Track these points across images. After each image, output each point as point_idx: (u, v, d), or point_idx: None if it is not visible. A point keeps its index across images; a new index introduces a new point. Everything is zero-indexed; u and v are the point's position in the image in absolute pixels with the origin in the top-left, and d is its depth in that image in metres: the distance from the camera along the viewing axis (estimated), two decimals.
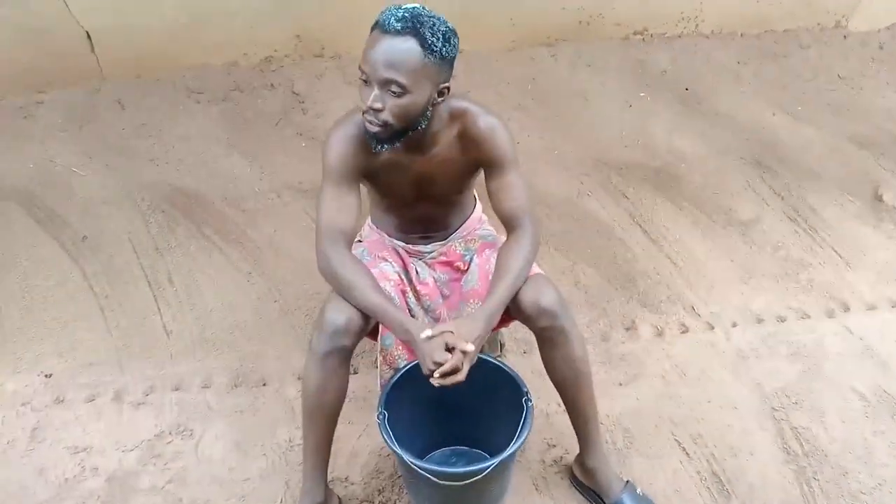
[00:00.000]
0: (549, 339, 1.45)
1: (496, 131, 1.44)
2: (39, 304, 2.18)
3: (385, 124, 1.30)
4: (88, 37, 2.70)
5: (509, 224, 1.48)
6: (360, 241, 1.74)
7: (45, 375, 1.97)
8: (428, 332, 1.30)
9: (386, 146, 1.36)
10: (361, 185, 1.51)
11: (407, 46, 1.23)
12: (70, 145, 2.72)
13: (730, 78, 3.25)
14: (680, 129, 2.98)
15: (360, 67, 1.27)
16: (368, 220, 1.77)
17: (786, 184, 2.73)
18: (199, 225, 2.46)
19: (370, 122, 1.31)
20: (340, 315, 1.36)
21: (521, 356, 2.04)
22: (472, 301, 1.59)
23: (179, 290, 2.24)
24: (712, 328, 2.16)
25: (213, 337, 2.09)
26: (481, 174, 1.53)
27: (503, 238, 1.62)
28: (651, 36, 3.32)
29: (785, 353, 2.07)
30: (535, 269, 1.52)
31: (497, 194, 1.48)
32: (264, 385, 1.96)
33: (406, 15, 1.24)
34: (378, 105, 1.28)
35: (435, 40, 1.25)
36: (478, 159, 1.47)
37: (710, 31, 3.36)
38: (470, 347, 1.29)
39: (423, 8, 1.27)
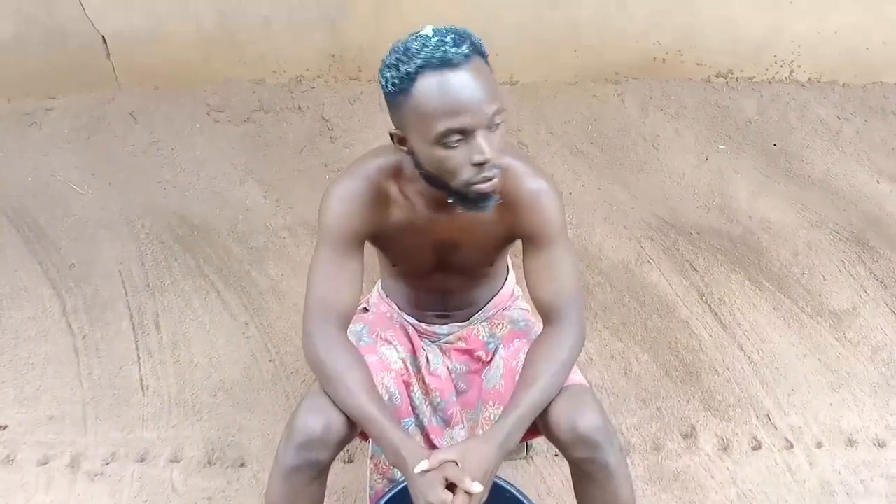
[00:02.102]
0: (587, 474, 1.20)
1: (544, 198, 1.22)
2: (10, 339, 2.06)
3: (501, 172, 1.09)
4: (104, 41, 2.62)
5: (548, 314, 1.25)
6: (365, 309, 1.53)
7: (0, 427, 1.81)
8: (424, 465, 1.06)
9: (493, 201, 1.12)
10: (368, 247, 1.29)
11: (481, 65, 1.03)
12: (73, 158, 2.62)
13: (827, 135, 2.95)
14: (765, 192, 2.69)
15: (446, 131, 1.01)
16: (378, 285, 1.56)
17: (891, 268, 2.41)
18: (199, 261, 2.30)
19: (491, 179, 1.07)
20: (317, 420, 1.14)
21: (552, 461, 1.78)
22: (491, 404, 1.36)
23: (165, 336, 2.07)
24: (791, 447, 1.87)
25: (192, 398, 1.91)
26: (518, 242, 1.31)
27: (539, 326, 1.39)
28: (737, 80, 3.07)
29: (884, 492, 1.75)
30: (576, 375, 1.27)
31: (536, 275, 1.25)
32: (242, 466, 1.76)
33: (454, 37, 1.01)
34: (495, 153, 1.04)
35: (483, 48, 1.05)
36: (517, 229, 1.25)
37: (806, 79, 3.09)
38: (477, 488, 1.05)
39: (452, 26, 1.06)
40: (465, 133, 1.02)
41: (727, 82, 3.08)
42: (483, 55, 1.04)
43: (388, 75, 1.03)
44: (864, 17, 2.93)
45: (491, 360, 1.40)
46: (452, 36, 1.00)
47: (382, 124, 2.77)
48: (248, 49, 2.77)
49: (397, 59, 1.01)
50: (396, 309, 1.49)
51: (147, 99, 2.79)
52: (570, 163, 2.73)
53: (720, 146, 2.86)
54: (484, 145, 1.03)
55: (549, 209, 1.22)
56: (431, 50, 0.99)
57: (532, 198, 1.21)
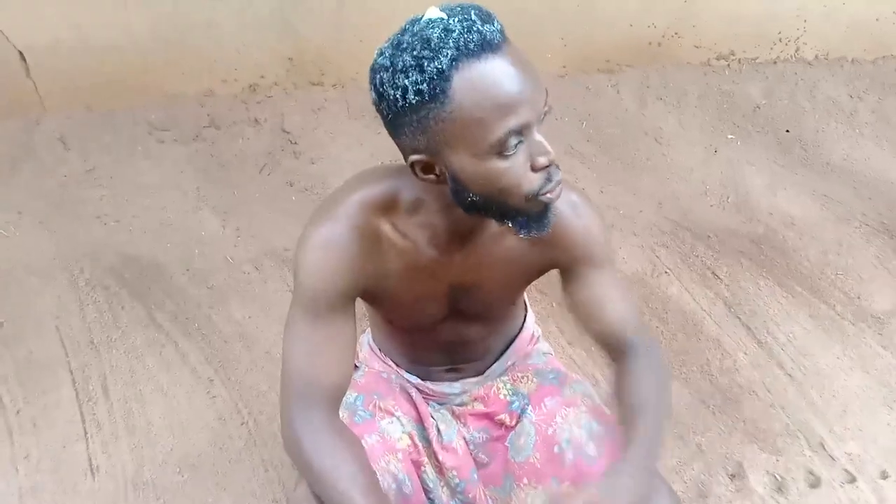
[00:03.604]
0: None
1: (583, 213, 1.04)
2: None
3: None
4: (22, 57, 2.36)
5: (617, 347, 1.09)
6: (356, 366, 1.31)
7: None
8: None
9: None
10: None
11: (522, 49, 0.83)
12: None
13: (842, 116, 2.83)
14: (783, 184, 2.55)
15: (507, 134, 0.80)
16: (368, 336, 1.34)
17: None
18: (151, 308, 2.06)
19: (558, 185, 0.88)
20: None
21: None
22: (526, 482, 1.15)
23: (116, 404, 1.83)
24: (853, 480, 1.72)
25: (153, 479, 1.68)
26: None
27: (572, 375, 1.19)
28: (739, 62, 2.94)
29: None
30: None
31: (592, 307, 1.08)
32: None
33: (477, 12, 0.80)
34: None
35: None
36: (554, 257, 1.07)
37: (813, 57, 2.97)
38: None
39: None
40: (524, 132, 0.82)
41: (729, 65, 2.93)
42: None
43: (406, 83, 0.79)
44: None
45: (516, 423, 1.19)
46: (475, 11, 0.79)
47: (352, 134, 2.57)
48: (192, 57, 2.55)
49: (417, 57, 0.78)
50: (394, 366, 1.27)
51: (78, 121, 2.54)
52: (565, 165, 2.54)
53: (728, 136, 2.72)
54: (545, 143, 0.83)
55: (592, 226, 1.04)
56: (462, 34, 0.77)
57: (569, 215, 1.02)
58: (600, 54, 2.82)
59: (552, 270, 1.11)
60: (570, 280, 1.08)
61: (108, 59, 2.46)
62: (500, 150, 0.81)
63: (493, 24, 0.79)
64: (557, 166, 0.87)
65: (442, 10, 0.80)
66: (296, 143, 2.59)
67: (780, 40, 2.91)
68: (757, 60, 2.95)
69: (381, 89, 0.81)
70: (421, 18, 0.80)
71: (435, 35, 0.77)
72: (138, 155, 2.50)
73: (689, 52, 2.87)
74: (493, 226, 0.99)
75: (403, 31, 0.81)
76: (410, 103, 0.79)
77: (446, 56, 0.76)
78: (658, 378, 1.07)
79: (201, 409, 1.82)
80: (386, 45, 0.82)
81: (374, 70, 0.82)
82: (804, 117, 2.81)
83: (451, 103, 0.78)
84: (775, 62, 2.96)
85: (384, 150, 2.52)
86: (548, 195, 0.86)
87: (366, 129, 2.56)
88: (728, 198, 2.49)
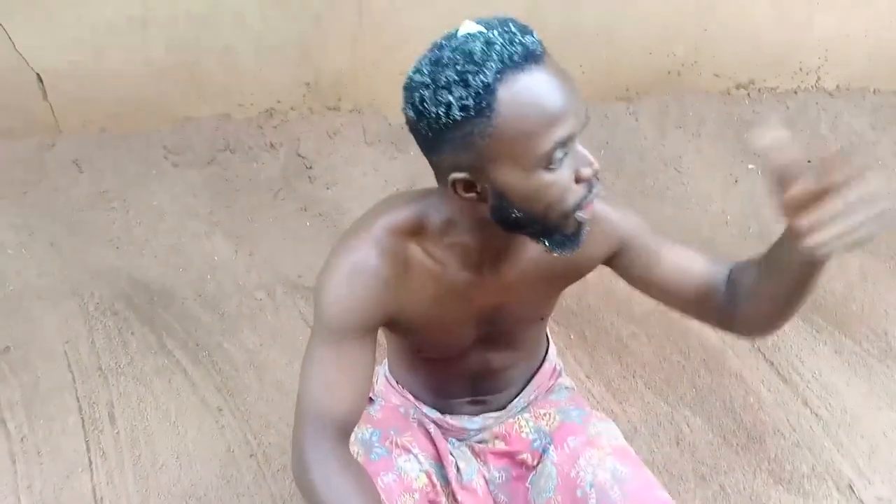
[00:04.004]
0: None
1: (614, 206, 1.05)
2: None
3: None
4: (40, 80, 2.37)
5: (717, 275, 1.03)
6: (371, 399, 1.27)
7: None
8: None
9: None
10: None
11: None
12: (7, 215, 2.34)
13: (865, 148, 2.78)
14: None
15: (555, 146, 0.78)
16: (385, 368, 1.31)
17: None
18: (161, 334, 2.04)
19: (595, 196, 0.87)
20: None
21: None
22: None
23: (123, 432, 1.80)
24: None
25: None
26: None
27: (595, 414, 1.16)
28: (759, 91, 2.90)
29: None
30: (657, 492, 1.03)
31: (675, 275, 1.04)
32: None
33: (514, 23, 0.79)
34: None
35: None
36: (591, 255, 1.04)
37: (834, 87, 2.93)
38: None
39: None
40: (568, 143, 0.80)
41: (749, 94, 2.90)
42: None
43: (450, 99, 0.76)
44: None
45: (538, 463, 1.15)
46: (513, 23, 0.78)
47: (368, 160, 2.55)
48: (209, 81, 2.54)
49: (461, 72, 0.76)
50: (412, 399, 1.24)
51: (93, 144, 2.53)
52: None
53: (749, 166, 2.68)
54: (587, 153, 0.82)
55: (626, 211, 1.05)
56: (505, 46, 0.75)
57: (602, 208, 1.01)
58: (619, 82, 2.80)
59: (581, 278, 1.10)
60: (632, 263, 1.05)
61: (125, 82, 2.45)
62: (547, 162, 0.79)
63: (533, 36, 0.78)
64: (598, 178, 0.85)
65: (478, 23, 0.78)
66: (311, 167, 2.57)
67: (801, 69, 2.88)
68: (777, 90, 2.91)
69: (420, 107, 0.79)
70: (457, 33, 0.79)
71: (477, 48, 0.75)
72: (152, 178, 2.48)
73: (708, 81, 2.84)
74: (525, 243, 0.97)
75: (440, 46, 0.79)
76: (454, 119, 0.77)
77: (491, 69, 0.75)
78: None
79: (209, 439, 1.79)
80: (422, 62, 0.80)
81: (412, 88, 0.80)
82: (827, 148, 2.77)
83: (497, 117, 0.76)
84: (796, 92, 2.93)
85: (400, 176, 2.50)
86: (583, 212, 0.85)
87: (382, 155, 2.54)
88: (750, 228, 2.45)
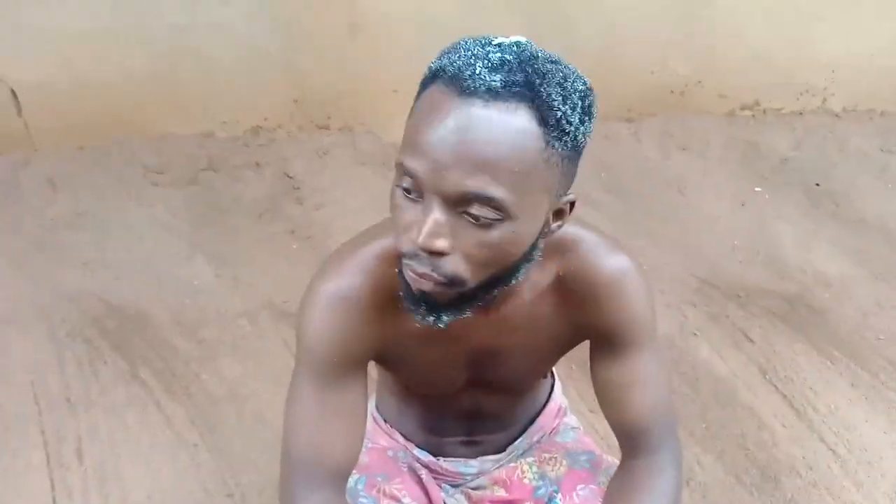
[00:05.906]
0: None
1: (628, 283, 0.91)
2: None
3: (452, 281, 0.74)
4: (14, 95, 2.34)
5: (635, 441, 0.97)
6: None
7: None
8: None
9: (444, 316, 0.79)
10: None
11: (516, 126, 0.68)
12: None
13: (873, 170, 2.79)
14: (815, 240, 2.47)
15: (401, 164, 0.72)
16: (373, 406, 1.22)
17: None
18: (134, 364, 1.96)
19: (419, 277, 0.74)
20: None
21: None
22: None
23: (90, 469, 1.71)
24: None
25: None
26: None
27: (607, 459, 1.10)
28: (764, 112, 2.91)
29: None
30: None
31: (620, 391, 0.96)
32: None
33: (510, 59, 0.69)
34: (443, 245, 0.71)
35: (568, 111, 0.70)
36: (588, 327, 0.94)
37: (841, 108, 2.95)
38: None
39: (531, 43, 0.73)
40: (418, 188, 0.71)
41: (754, 115, 2.90)
42: (547, 121, 0.69)
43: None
44: None
45: None
46: (500, 55, 0.69)
47: (359, 181, 2.51)
48: (192, 97, 2.54)
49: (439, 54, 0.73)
50: (402, 440, 1.15)
51: (69, 161, 2.51)
52: (586, 217, 2.46)
53: (756, 188, 2.65)
54: (428, 221, 0.71)
55: (636, 299, 0.91)
56: (458, 58, 0.69)
57: (611, 283, 0.90)
58: (622, 102, 2.80)
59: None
60: (600, 356, 0.96)
61: (102, 97, 2.46)
62: (399, 180, 0.75)
63: (498, 76, 0.68)
64: (432, 253, 0.72)
65: (499, 38, 0.73)
66: (299, 188, 2.55)
67: (807, 91, 2.89)
68: (782, 111, 2.93)
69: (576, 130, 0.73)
70: (490, 36, 0.74)
71: (455, 45, 0.73)
72: (130, 198, 2.46)
73: (712, 102, 2.85)
74: (522, 291, 0.89)
75: (549, 58, 0.73)
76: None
77: (437, 68, 0.72)
78: (668, 497, 0.94)
79: (184, 477, 1.70)
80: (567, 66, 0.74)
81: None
82: (834, 171, 2.76)
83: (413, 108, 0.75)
84: (801, 113, 2.94)
85: None
86: (409, 273, 0.75)
87: (373, 176, 2.51)
88: (758, 254, 2.41)
